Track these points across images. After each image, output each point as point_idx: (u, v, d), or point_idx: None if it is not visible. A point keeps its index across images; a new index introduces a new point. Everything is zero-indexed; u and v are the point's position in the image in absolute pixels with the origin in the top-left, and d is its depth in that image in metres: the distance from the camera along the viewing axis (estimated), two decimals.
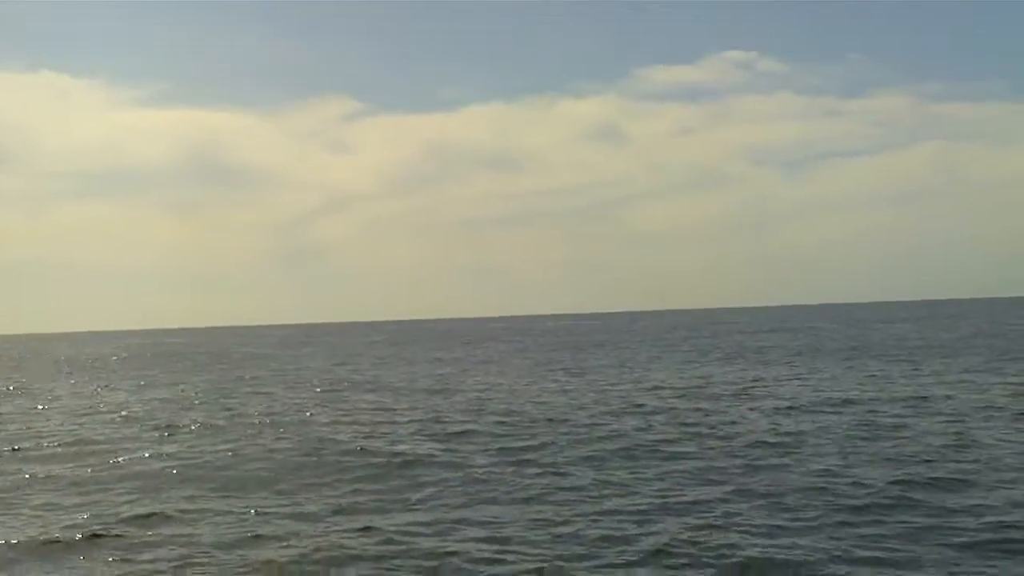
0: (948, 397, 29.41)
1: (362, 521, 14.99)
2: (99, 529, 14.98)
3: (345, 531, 14.37)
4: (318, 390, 41.96)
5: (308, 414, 31.11)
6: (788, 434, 22.58)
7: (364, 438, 24.51)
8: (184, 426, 28.88)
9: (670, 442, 22.12)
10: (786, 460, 19.10)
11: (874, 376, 38.16)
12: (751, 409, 28.42)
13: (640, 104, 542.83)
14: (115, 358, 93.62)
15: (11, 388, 51.46)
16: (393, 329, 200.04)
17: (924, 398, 29.35)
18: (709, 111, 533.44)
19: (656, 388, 36.52)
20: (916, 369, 41.02)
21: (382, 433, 25.54)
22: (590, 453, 20.84)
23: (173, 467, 20.91)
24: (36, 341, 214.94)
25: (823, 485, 16.44)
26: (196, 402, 38.11)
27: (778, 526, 13.89)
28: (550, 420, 27.07)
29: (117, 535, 14.65)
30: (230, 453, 22.69)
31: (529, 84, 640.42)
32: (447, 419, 28.43)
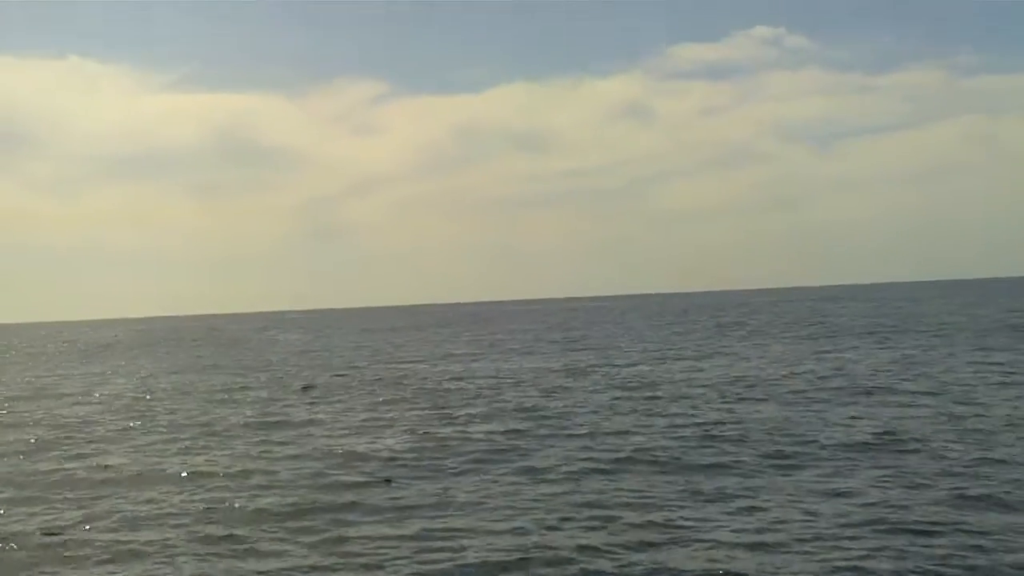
0: None
1: None
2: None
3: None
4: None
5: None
6: None
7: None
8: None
9: None
10: None
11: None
12: None
13: (667, 83, 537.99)
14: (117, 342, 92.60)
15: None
16: (430, 313, 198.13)
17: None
18: (737, 88, 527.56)
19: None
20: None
21: None
22: None
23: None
24: (66, 328, 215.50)
25: None
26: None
27: None
28: None
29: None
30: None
31: (555, 64, 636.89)
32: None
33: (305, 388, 34.32)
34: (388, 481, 16.55)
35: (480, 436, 21.10)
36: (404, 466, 17.98)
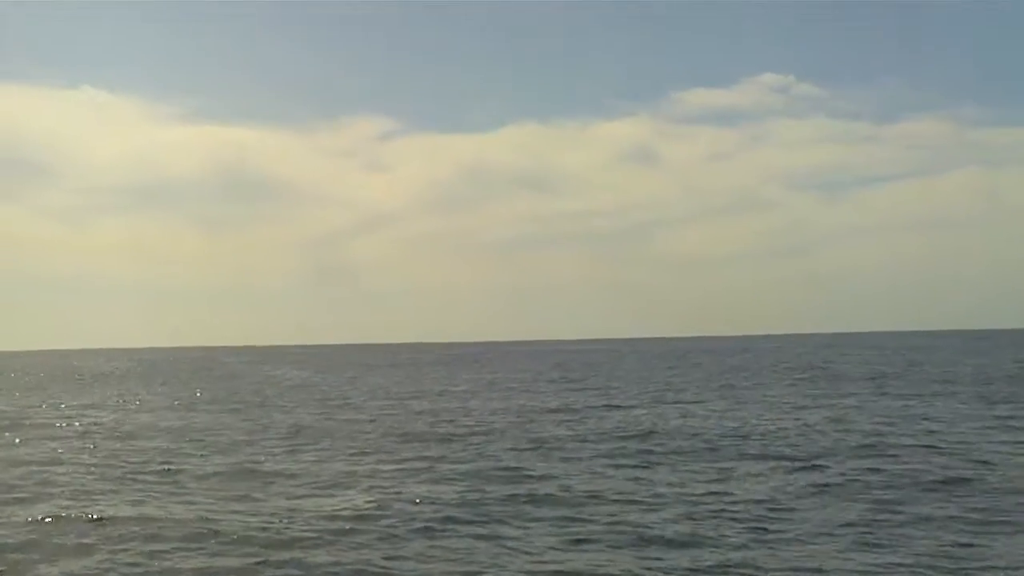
0: None
1: None
2: None
3: None
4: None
5: None
6: None
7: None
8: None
9: None
10: None
11: None
12: None
13: (675, 127, 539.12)
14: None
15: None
16: (438, 353, 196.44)
17: None
18: (744, 135, 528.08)
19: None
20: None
21: None
22: None
23: None
24: (70, 356, 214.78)
25: None
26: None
27: None
28: None
29: None
30: None
31: (564, 105, 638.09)
32: None
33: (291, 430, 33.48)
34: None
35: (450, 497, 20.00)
36: (352, 531, 16.97)
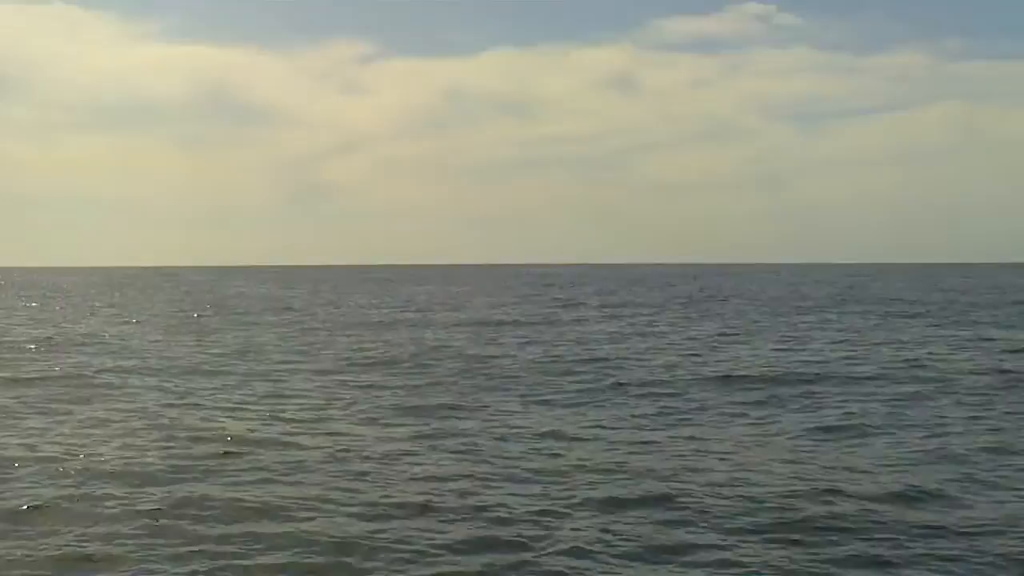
0: None
1: None
2: None
3: None
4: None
5: None
6: None
7: None
8: None
9: None
10: None
11: None
12: None
13: (656, 54, 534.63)
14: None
15: None
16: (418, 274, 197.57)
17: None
18: (725, 63, 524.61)
19: None
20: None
21: None
22: None
23: None
24: (40, 274, 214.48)
25: None
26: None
27: None
28: None
29: None
30: None
31: (544, 31, 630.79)
32: None
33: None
34: None
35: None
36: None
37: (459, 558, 9.38)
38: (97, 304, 62.51)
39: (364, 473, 12.68)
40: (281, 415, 17.20)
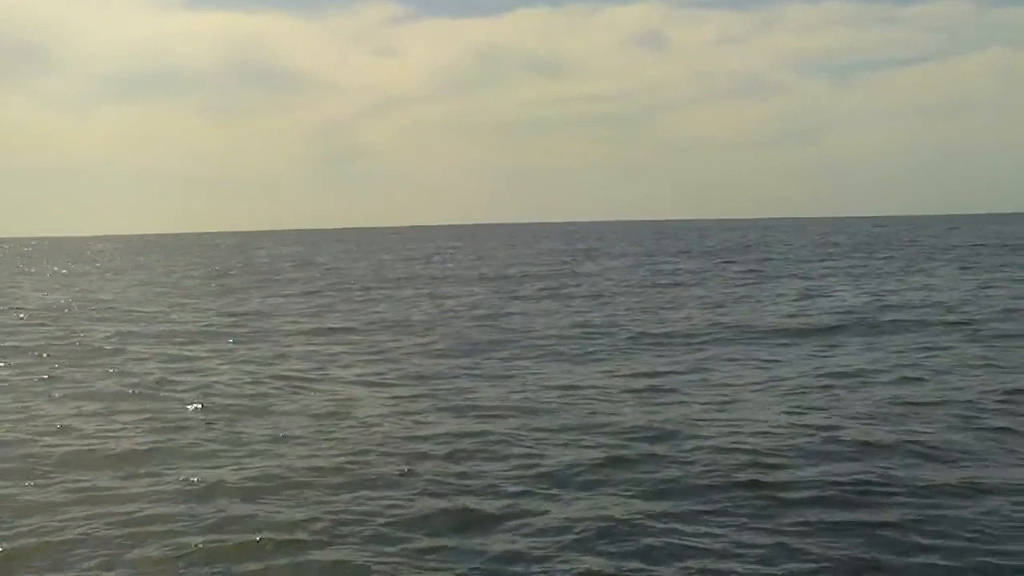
0: None
1: None
2: None
3: None
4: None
5: None
6: None
7: None
8: None
9: None
10: None
11: None
12: None
13: (686, 11, 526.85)
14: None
15: None
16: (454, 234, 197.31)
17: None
18: (757, 19, 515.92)
19: None
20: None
21: None
22: None
23: None
24: (76, 243, 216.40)
25: None
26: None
27: None
28: None
29: None
30: None
31: None
32: None
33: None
34: None
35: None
36: None
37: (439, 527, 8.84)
38: (124, 267, 62.73)
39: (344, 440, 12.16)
40: (271, 377, 16.78)
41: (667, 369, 16.91)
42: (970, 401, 13.17)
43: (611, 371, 16.83)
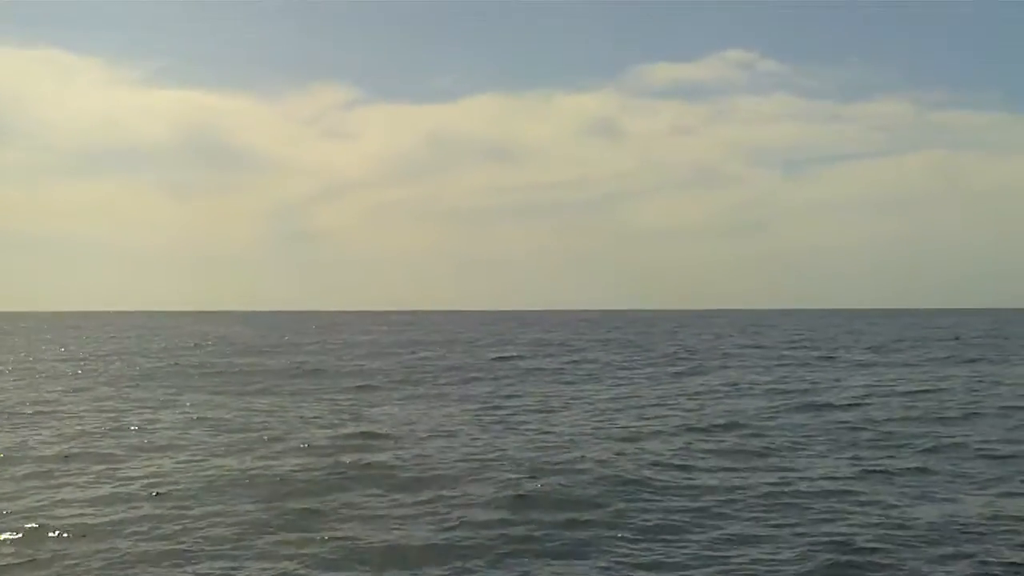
0: None
1: None
2: None
3: None
4: None
5: None
6: None
7: None
8: None
9: None
10: None
11: None
12: None
13: (639, 101, 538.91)
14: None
15: None
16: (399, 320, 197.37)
17: None
18: (708, 110, 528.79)
19: None
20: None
21: None
22: None
23: None
24: (24, 319, 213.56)
25: None
26: None
27: None
28: None
29: None
30: None
31: (528, 77, 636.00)
32: None
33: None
34: None
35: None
36: None
37: None
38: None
39: None
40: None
41: None
42: None
43: None
